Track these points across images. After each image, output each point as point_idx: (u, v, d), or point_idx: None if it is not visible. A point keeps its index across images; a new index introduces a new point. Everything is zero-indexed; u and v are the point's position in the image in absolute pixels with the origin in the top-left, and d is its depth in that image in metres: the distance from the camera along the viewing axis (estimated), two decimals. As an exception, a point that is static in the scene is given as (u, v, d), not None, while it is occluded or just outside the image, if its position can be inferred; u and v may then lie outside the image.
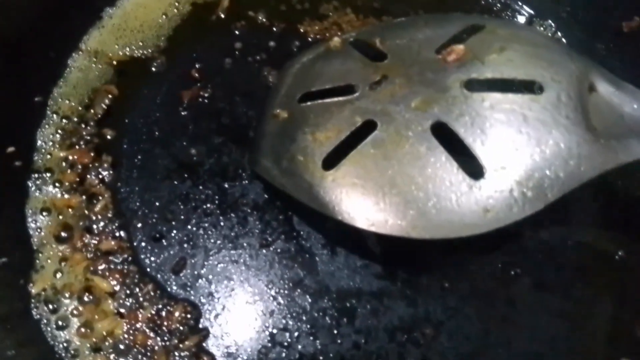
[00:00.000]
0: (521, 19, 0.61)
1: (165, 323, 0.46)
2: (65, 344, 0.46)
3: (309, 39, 0.58)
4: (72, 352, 0.45)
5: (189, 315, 0.47)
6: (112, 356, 0.45)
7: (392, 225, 0.43)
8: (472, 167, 0.43)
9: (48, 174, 0.51)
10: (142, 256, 0.49)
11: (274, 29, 0.59)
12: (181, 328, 0.46)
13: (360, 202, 0.45)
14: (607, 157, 0.42)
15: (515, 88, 0.45)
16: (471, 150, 0.43)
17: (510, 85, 0.45)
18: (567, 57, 0.46)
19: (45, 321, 0.46)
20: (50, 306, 0.47)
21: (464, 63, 0.46)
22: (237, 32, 0.58)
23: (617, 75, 0.46)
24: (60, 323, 0.46)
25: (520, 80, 0.45)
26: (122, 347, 0.46)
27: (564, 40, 0.60)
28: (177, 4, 0.59)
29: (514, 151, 0.42)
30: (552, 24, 0.60)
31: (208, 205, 0.51)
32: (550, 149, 0.42)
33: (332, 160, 0.46)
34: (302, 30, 0.59)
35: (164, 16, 0.58)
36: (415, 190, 0.43)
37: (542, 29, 0.60)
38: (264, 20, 0.59)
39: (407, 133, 0.45)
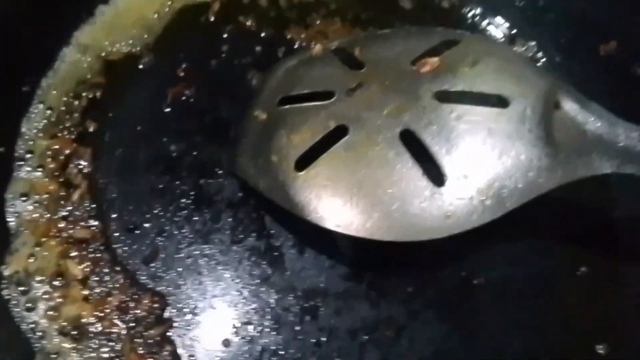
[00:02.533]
0: (504, 40, 0.62)
1: (132, 311, 0.47)
2: (32, 326, 0.47)
3: (295, 46, 0.60)
4: (40, 333, 0.46)
5: (155, 305, 0.48)
6: (78, 340, 0.46)
7: (358, 227, 0.45)
8: (437, 174, 0.45)
9: (30, 161, 0.52)
10: (115, 245, 0.50)
11: (262, 34, 0.60)
12: (147, 317, 0.47)
13: (328, 203, 0.46)
14: (567, 171, 0.43)
15: (484, 101, 0.46)
16: (435, 158, 0.44)
17: (479, 98, 0.46)
18: (537, 74, 0.48)
19: (14, 302, 0.47)
20: (21, 288, 0.48)
21: (437, 74, 0.48)
22: (225, 36, 0.60)
23: (593, 97, 0.47)
24: (29, 305, 0.47)
25: (489, 93, 0.46)
26: (88, 332, 0.47)
27: (544, 60, 0.61)
28: (169, 3, 0.61)
29: (476, 161, 0.44)
30: (534, 45, 0.62)
31: (183, 200, 0.52)
32: (511, 160, 0.43)
33: (305, 162, 0.48)
34: (288, 37, 0.60)
35: (155, 15, 0.60)
36: (380, 193, 0.45)
37: (523, 49, 0.62)
38: (253, 25, 0.61)
39: (377, 138, 0.46)
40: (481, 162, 0.44)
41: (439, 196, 0.44)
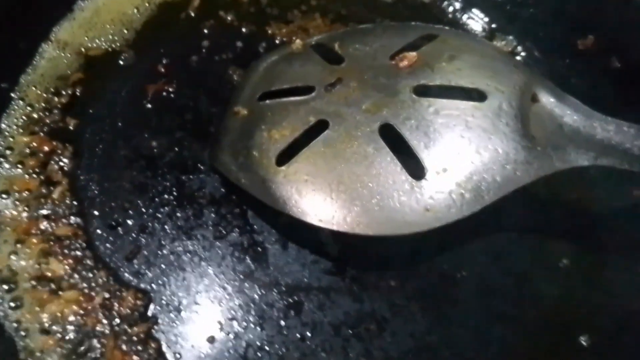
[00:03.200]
0: (483, 34, 0.62)
1: (116, 308, 0.47)
2: (15, 324, 0.46)
3: (276, 41, 0.60)
4: (23, 332, 0.46)
5: (139, 302, 0.48)
6: (61, 338, 0.46)
7: (338, 221, 0.45)
8: (416, 168, 0.45)
9: (9, 158, 0.52)
10: (97, 243, 0.50)
11: (243, 29, 0.60)
12: (131, 314, 0.47)
13: (309, 198, 0.46)
14: (544, 164, 0.44)
15: (462, 95, 0.47)
16: (415, 151, 0.45)
17: (457, 93, 0.47)
18: (513, 68, 0.48)
19: (-2, 300, 0.47)
20: (5, 286, 0.47)
21: (415, 69, 0.48)
22: (205, 31, 0.60)
23: (571, 90, 0.48)
24: (12, 304, 0.47)
25: (466, 88, 0.47)
26: (71, 329, 0.47)
27: (523, 54, 0.62)
28: (149, -1, 0.60)
29: (454, 155, 0.44)
30: (513, 39, 0.62)
31: (165, 196, 0.52)
32: (489, 153, 0.44)
33: (285, 157, 0.48)
34: (269, 33, 0.60)
35: (135, 10, 0.60)
36: (360, 187, 0.45)
37: (502, 43, 0.62)
38: (233, 20, 0.61)
39: (357, 133, 0.46)
40: (459, 155, 0.44)
41: (418, 190, 0.44)
